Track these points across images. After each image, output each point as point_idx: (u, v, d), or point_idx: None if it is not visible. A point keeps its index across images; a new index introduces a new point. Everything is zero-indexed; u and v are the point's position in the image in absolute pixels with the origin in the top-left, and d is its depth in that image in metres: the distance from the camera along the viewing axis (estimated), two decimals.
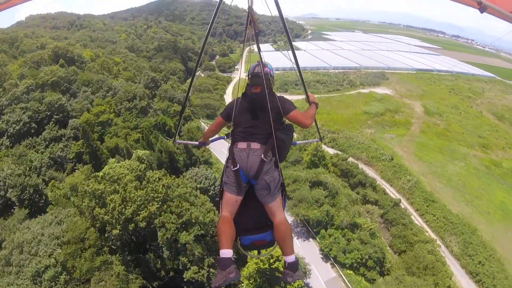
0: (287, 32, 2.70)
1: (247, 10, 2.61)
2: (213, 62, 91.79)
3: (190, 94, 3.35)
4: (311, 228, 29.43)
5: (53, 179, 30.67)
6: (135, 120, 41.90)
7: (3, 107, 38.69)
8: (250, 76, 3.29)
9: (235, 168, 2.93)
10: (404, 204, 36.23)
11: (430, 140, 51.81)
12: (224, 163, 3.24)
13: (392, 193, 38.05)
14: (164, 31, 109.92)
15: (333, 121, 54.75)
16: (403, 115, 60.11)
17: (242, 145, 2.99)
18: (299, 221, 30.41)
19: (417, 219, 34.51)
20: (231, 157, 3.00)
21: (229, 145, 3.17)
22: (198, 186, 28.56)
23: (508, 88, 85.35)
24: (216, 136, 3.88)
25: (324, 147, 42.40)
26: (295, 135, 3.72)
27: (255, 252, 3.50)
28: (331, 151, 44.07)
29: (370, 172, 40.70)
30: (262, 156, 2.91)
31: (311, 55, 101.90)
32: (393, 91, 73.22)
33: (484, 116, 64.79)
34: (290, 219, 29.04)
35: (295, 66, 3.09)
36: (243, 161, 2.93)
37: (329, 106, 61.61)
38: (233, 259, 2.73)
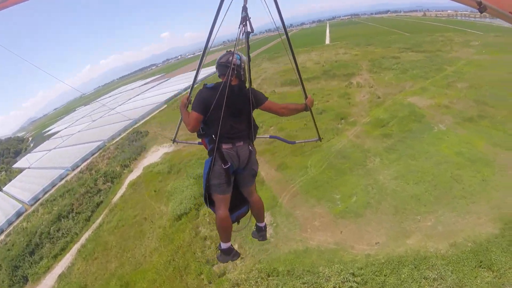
0: (286, 32, 2.79)
1: (242, 9, 2.63)
2: None
3: (191, 95, 3.34)
4: None
5: None
6: None
7: None
8: (224, 66, 3.02)
9: (227, 166, 3.06)
10: None
11: None
12: (206, 168, 3.11)
13: None
14: None
15: None
16: None
17: (227, 145, 3.08)
18: None
19: None
20: (220, 157, 3.05)
21: (211, 146, 3.09)
22: None
23: None
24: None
25: None
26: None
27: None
28: None
29: None
30: (250, 148, 3.19)
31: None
32: None
33: None
34: None
35: (294, 67, 3.14)
36: (233, 158, 3.09)
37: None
38: (232, 246, 3.31)
